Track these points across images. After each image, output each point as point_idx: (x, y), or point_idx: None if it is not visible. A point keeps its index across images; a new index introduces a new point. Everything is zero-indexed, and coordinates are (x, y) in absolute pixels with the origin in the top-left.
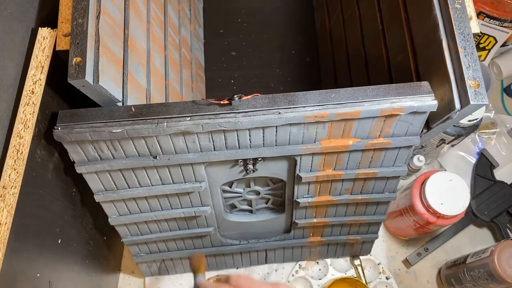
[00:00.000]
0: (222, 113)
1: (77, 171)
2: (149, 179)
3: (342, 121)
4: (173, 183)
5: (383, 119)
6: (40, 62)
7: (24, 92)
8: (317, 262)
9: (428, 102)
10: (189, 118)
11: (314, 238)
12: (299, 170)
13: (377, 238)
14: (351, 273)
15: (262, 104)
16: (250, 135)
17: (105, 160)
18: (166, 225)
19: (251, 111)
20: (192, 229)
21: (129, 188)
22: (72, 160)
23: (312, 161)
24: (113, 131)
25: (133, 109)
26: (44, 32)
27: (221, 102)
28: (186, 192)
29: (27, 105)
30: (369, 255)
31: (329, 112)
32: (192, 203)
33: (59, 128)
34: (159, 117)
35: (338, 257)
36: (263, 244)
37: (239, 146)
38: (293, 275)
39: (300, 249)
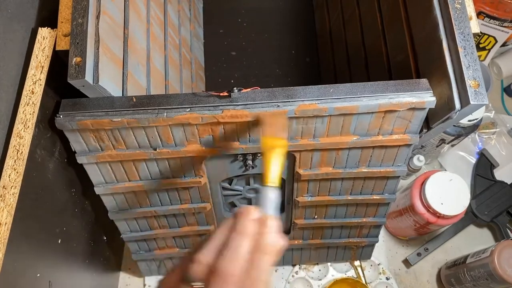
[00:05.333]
0: (222, 105)
1: (78, 161)
2: (149, 172)
3: (341, 116)
4: (173, 176)
5: (381, 115)
6: (40, 62)
7: (24, 92)
8: (317, 263)
9: (427, 98)
10: (189, 109)
11: (314, 240)
12: (298, 167)
13: (377, 242)
14: (351, 273)
15: (262, 97)
16: (249, 129)
17: (106, 150)
18: (165, 221)
19: (250, 103)
20: (191, 227)
21: (129, 180)
22: (73, 150)
23: (311, 158)
24: (114, 119)
25: (134, 99)
26: (44, 32)
27: (221, 94)
28: (186, 186)
29: (27, 105)
30: None
31: (328, 106)
32: (192, 198)
33: (61, 116)
34: (159, 107)
35: (338, 262)
36: None
37: (238, 140)
38: (293, 276)
39: (300, 251)
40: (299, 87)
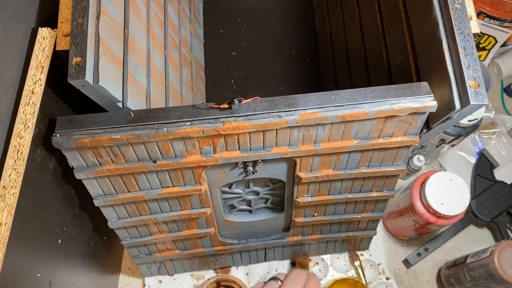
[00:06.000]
0: (222, 117)
1: (76, 177)
2: (149, 182)
3: (342, 122)
4: (173, 186)
5: (382, 120)
6: (40, 62)
7: (24, 92)
8: (317, 263)
9: (428, 102)
10: (189, 122)
11: (313, 235)
12: (299, 171)
13: (375, 234)
14: (351, 273)
15: (262, 107)
16: (250, 138)
17: (104, 165)
18: (165, 227)
19: (252, 114)
20: (191, 230)
21: (129, 192)
22: (71, 167)
23: (312, 162)
24: (113, 137)
25: (132, 114)
26: (44, 32)
27: (221, 106)
28: (186, 194)
29: (27, 105)
30: (369, 255)
31: (330, 115)
32: (192, 204)
33: (58, 135)
34: (159, 122)
35: (336, 253)
36: (262, 243)
37: (239, 149)
38: None
39: (299, 246)
40: (299, 95)
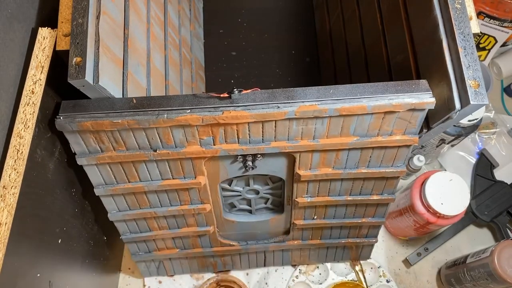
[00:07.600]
0: (222, 106)
1: (78, 163)
2: (149, 173)
3: (341, 117)
4: (173, 178)
5: (381, 116)
6: (40, 62)
7: (24, 92)
8: (317, 267)
9: (426, 99)
10: (189, 110)
11: (313, 240)
12: (298, 168)
13: (376, 242)
14: (352, 277)
15: (262, 98)
16: (249, 130)
17: (106, 151)
18: (165, 222)
19: (251, 104)
20: (191, 228)
21: (129, 182)
22: (73, 152)
23: (311, 159)
24: (114, 121)
25: (135, 101)
26: (44, 32)
27: (221, 95)
28: (186, 187)
29: (27, 105)
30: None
31: (328, 107)
32: (192, 199)
33: (61, 118)
34: (160, 109)
35: (337, 261)
36: (262, 246)
37: (238, 141)
38: (293, 280)
39: (299, 252)
40: (299, 88)
